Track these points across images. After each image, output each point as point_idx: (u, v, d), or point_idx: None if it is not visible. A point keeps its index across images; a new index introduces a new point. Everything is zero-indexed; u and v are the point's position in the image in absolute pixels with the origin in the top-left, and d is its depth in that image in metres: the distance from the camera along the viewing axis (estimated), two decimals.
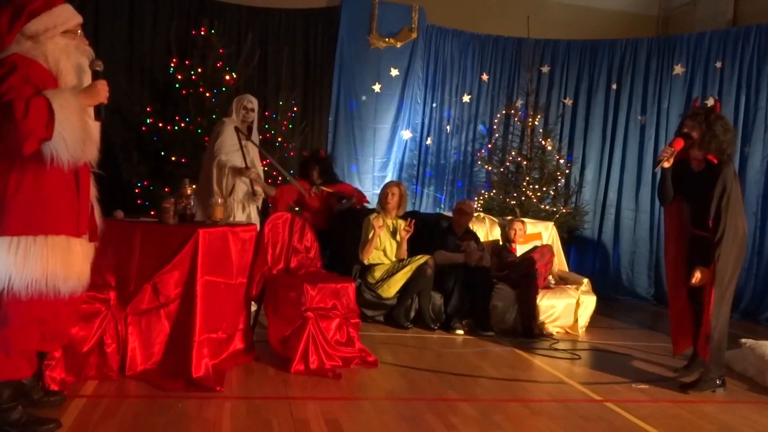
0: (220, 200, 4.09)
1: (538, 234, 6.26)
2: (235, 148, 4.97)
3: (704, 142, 3.89)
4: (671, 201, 4.18)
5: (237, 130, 4.92)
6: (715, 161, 3.90)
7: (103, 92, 2.63)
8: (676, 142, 3.95)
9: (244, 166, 4.99)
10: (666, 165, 3.96)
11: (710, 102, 3.98)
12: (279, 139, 6.70)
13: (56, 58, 2.57)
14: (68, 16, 2.65)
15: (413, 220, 5.38)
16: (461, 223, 5.75)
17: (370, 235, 5.31)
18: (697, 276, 3.90)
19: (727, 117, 4.13)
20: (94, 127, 2.68)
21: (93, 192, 2.80)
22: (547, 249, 5.83)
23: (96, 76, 2.66)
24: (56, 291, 2.54)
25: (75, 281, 2.62)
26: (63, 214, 2.57)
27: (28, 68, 2.47)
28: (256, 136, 5.27)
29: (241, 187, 5.08)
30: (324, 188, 5.74)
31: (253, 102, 5.14)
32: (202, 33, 6.69)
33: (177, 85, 6.55)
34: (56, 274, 2.52)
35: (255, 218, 5.17)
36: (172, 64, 6.61)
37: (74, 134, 2.47)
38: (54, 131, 2.41)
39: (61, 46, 2.60)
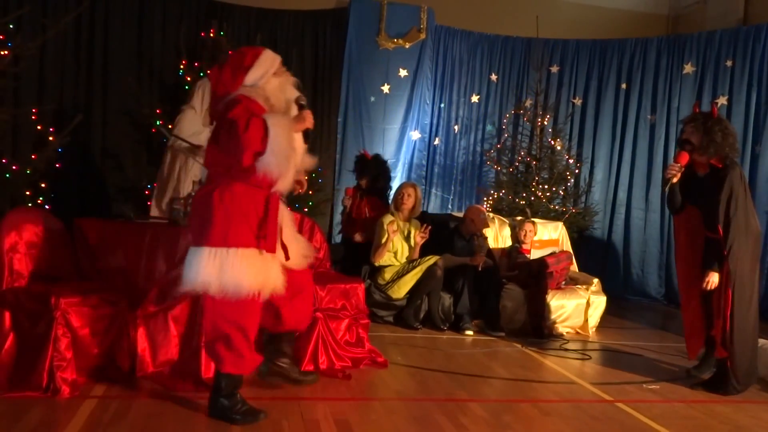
0: None
1: (556, 240, 6.24)
2: (196, 130, 4.99)
3: (703, 147, 3.88)
4: (681, 210, 4.16)
5: None
6: (720, 165, 3.88)
7: (309, 119, 3.02)
8: (681, 157, 3.95)
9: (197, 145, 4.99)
10: (674, 181, 3.98)
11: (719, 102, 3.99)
12: None
13: (276, 96, 2.99)
14: (274, 60, 3.05)
15: (429, 227, 5.36)
16: (469, 229, 5.72)
17: (384, 239, 5.29)
18: (709, 281, 3.87)
19: (727, 121, 4.12)
20: (300, 155, 3.05)
21: (286, 216, 3.14)
22: (565, 255, 5.81)
23: (301, 108, 3.06)
24: (244, 296, 2.82)
25: (260, 287, 2.88)
26: (253, 232, 2.89)
27: (249, 103, 2.89)
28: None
29: (195, 166, 5.00)
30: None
31: None
32: (212, 35, 6.71)
33: (186, 87, 6.57)
34: (242, 281, 2.81)
35: None
36: (182, 66, 6.64)
37: (283, 150, 2.83)
38: (267, 146, 2.77)
39: (275, 84, 3.02)
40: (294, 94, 3.08)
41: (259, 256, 2.89)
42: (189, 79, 6.54)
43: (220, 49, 6.63)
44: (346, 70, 7.64)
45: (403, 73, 7.76)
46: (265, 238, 2.91)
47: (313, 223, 4.47)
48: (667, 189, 4.04)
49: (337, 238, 7.00)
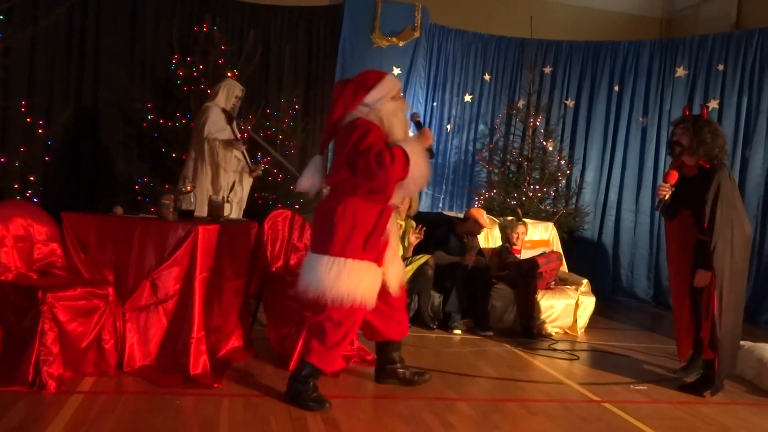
0: (220, 197, 4.09)
1: (546, 241, 6.26)
2: (221, 126, 5.08)
3: (693, 148, 3.91)
4: (674, 215, 4.19)
5: (226, 113, 5.11)
6: (707, 166, 3.91)
7: (430, 137, 3.31)
8: (671, 176, 3.99)
9: (234, 138, 5.10)
10: (666, 199, 4.01)
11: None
12: (280, 137, 6.70)
13: (389, 119, 3.20)
14: (394, 85, 3.29)
15: (423, 228, 5.36)
16: (469, 229, 5.71)
17: None
18: (697, 280, 3.91)
19: (717, 122, 4.15)
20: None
21: (394, 230, 3.39)
22: (555, 256, 5.82)
23: (418, 126, 3.36)
24: (354, 304, 3.11)
25: (370, 296, 3.17)
26: (368, 245, 3.17)
27: (373, 127, 3.13)
28: (235, 124, 5.36)
29: (232, 159, 5.14)
30: None
31: (243, 90, 5.33)
32: (204, 29, 6.68)
33: (178, 82, 6.54)
34: (356, 290, 3.09)
35: (245, 195, 5.31)
36: (174, 61, 6.60)
37: (421, 173, 3.16)
38: (409, 173, 3.08)
39: (392, 108, 3.23)
40: (405, 119, 3.31)
41: (372, 268, 3.18)
42: (181, 73, 6.51)
43: (213, 44, 6.61)
44: (340, 67, 7.62)
45: (396, 71, 7.75)
46: (378, 248, 3.22)
47: (304, 220, 4.46)
48: (659, 208, 4.10)
49: None
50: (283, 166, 5.99)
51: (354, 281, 3.09)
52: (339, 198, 3.18)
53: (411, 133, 3.38)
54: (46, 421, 2.71)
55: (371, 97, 3.19)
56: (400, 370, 3.63)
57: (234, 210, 5.11)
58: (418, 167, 3.11)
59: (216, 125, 5.06)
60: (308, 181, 3.34)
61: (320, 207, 3.28)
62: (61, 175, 6.59)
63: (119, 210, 3.75)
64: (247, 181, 5.32)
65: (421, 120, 3.38)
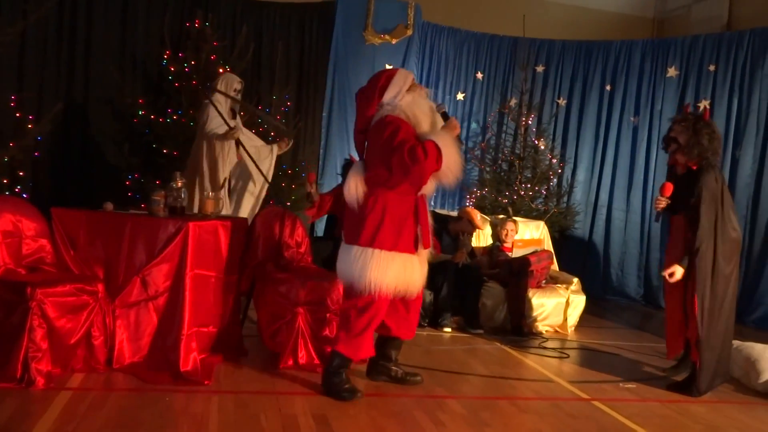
0: (212, 193, 4.08)
1: (539, 240, 6.27)
2: (221, 122, 5.03)
3: (689, 147, 3.93)
4: (676, 213, 4.20)
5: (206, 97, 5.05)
6: (695, 167, 3.93)
7: (458, 126, 3.37)
8: (666, 189, 4.02)
9: (228, 129, 5.02)
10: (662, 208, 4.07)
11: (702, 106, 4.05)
12: (272, 134, 6.68)
13: (412, 111, 3.26)
14: (406, 77, 3.36)
15: None
16: (462, 228, 5.71)
17: None
18: (669, 272, 3.88)
19: (716, 124, 4.16)
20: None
21: (429, 217, 3.45)
22: (546, 254, 5.83)
23: (445, 116, 3.38)
24: (381, 294, 3.21)
25: (403, 288, 3.27)
26: (397, 236, 3.24)
27: (402, 124, 3.20)
28: (238, 118, 5.35)
29: (231, 151, 5.10)
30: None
31: (241, 83, 5.32)
32: (197, 25, 6.65)
33: (170, 77, 6.51)
34: (382, 280, 3.18)
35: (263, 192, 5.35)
36: (166, 56, 6.57)
37: (455, 164, 3.21)
38: (443, 165, 3.14)
39: (410, 100, 3.29)
40: (428, 105, 3.34)
41: (399, 258, 3.23)
42: (173, 69, 6.48)
43: (205, 39, 6.58)
44: (332, 64, 7.61)
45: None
46: (414, 240, 3.29)
47: (295, 217, 4.45)
48: (658, 219, 4.17)
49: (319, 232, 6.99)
50: (277, 129, 5.97)
51: (381, 271, 3.17)
52: (371, 190, 3.26)
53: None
54: (34, 417, 2.69)
55: (387, 96, 3.28)
56: (393, 368, 3.65)
57: (250, 204, 5.16)
58: (451, 158, 3.17)
59: (215, 121, 5.04)
60: (354, 188, 3.28)
61: None
62: (51, 171, 6.54)
63: (109, 206, 3.73)
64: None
65: (447, 110, 3.44)
